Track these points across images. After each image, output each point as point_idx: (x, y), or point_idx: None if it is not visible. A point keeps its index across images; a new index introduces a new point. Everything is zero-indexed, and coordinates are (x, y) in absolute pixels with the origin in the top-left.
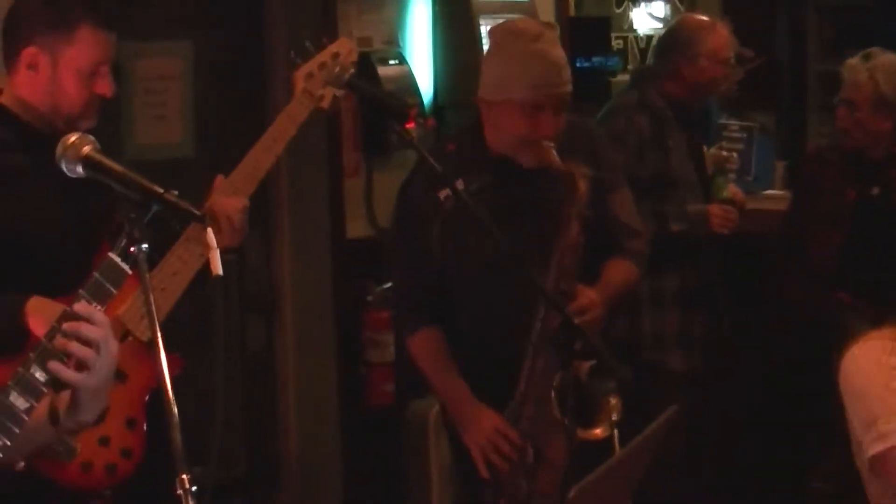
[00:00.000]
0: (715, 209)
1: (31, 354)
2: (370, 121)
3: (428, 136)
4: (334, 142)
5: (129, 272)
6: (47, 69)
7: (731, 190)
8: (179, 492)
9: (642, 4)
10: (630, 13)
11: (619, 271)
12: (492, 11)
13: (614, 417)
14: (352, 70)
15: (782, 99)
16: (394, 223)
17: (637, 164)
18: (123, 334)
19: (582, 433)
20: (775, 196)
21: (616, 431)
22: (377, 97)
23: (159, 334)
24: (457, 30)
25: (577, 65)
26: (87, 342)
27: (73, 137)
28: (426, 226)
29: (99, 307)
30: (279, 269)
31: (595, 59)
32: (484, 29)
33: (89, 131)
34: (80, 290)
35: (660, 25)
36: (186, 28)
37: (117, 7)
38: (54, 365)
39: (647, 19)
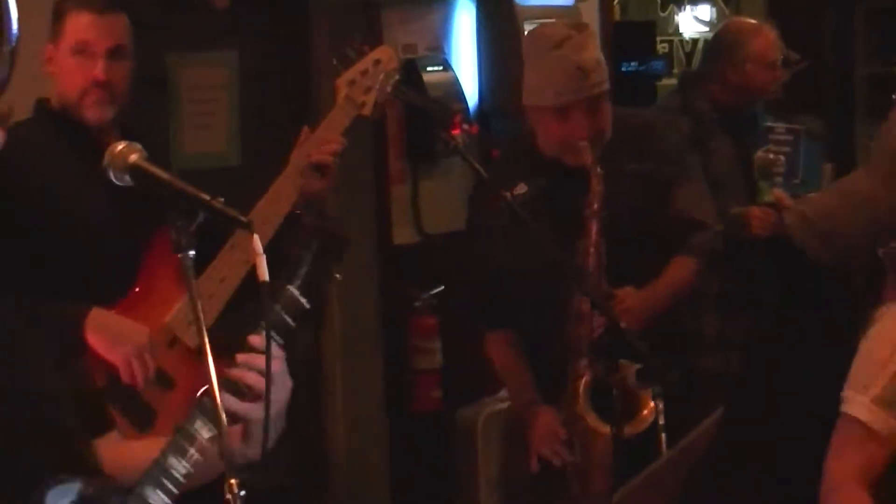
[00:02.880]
0: (755, 211)
1: (195, 410)
2: (415, 128)
3: (472, 143)
4: (380, 149)
5: (308, 306)
6: (56, 60)
7: (777, 194)
8: (228, 496)
9: (688, 8)
10: (675, 17)
11: (674, 270)
12: (535, 17)
13: (660, 421)
14: (396, 77)
15: (829, 102)
16: (466, 228)
17: None
18: (171, 340)
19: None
20: None
21: (664, 435)
22: (422, 104)
23: (206, 340)
24: (501, 35)
25: (623, 69)
26: (262, 373)
27: (119, 146)
28: (489, 231)
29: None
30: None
31: (640, 63)
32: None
33: (136, 138)
34: (262, 323)
35: (706, 29)
36: (231, 38)
37: (163, 18)
38: (228, 398)
39: (692, 23)
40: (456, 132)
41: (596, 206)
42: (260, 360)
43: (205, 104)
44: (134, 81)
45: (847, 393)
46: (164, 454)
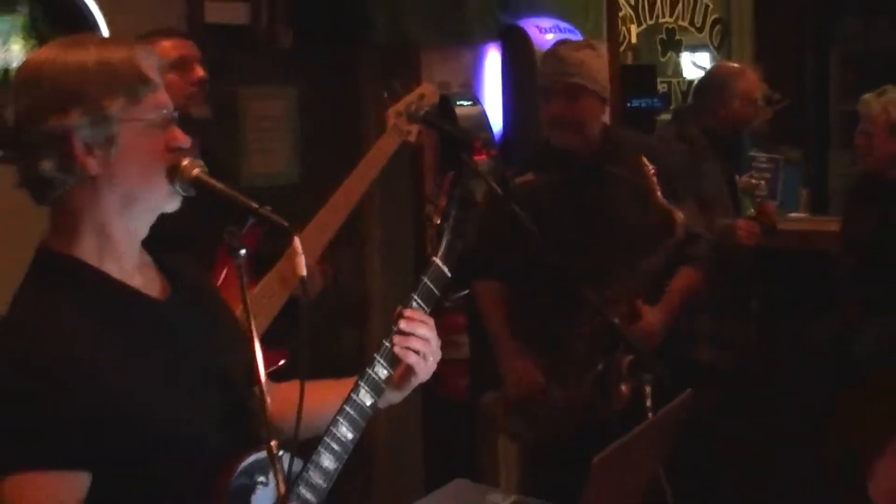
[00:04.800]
0: (741, 223)
1: (376, 356)
2: (446, 153)
3: (495, 165)
4: (417, 171)
5: (449, 275)
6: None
7: (766, 209)
8: (268, 457)
9: (686, 53)
10: (675, 60)
11: (683, 281)
12: None
13: (648, 404)
14: (427, 108)
15: (807, 134)
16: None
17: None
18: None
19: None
20: (799, 218)
21: (651, 415)
22: (446, 130)
23: (254, 329)
24: (522, 75)
25: (628, 105)
26: (421, 337)
27: (185, 161)
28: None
29: (427, 308)
30: (370, 281)
31: (643, 101)
32: None
33: (213, 158)
34: (413, 294)
35: (702, 73)
36: (292, 75)
37: (235, 59)
38: (402, 348)
39: (691, 67)
40: (481, 157)
41: (671, 245)
42: (419, 327)
43: (269, 132)
44: (212, 113)
45: None
46: (353, 393)
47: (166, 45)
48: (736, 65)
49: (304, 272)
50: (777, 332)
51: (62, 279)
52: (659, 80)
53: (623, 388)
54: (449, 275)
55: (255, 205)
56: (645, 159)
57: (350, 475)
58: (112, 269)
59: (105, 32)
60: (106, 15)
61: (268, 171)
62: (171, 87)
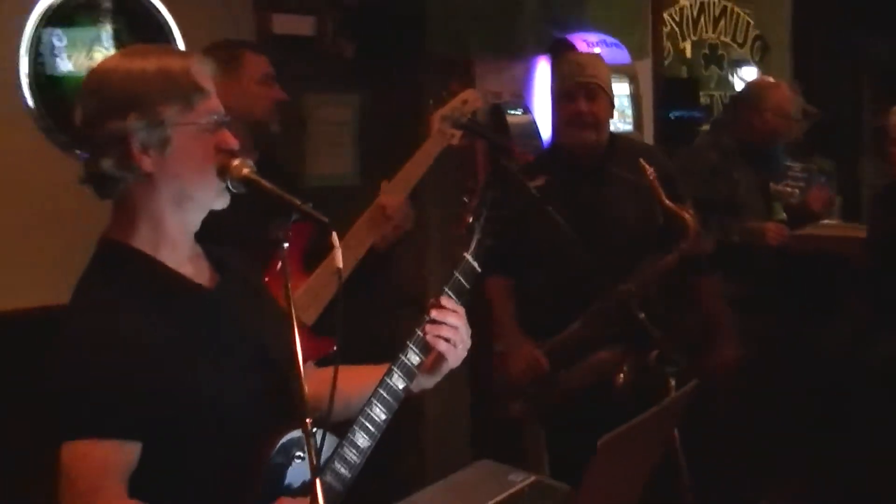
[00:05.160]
0: (770, 225)
1: (409, 343)
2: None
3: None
4: (472, 170)
5: (480, 270)
6: (235, 92)
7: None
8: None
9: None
10: (717, 74)
11: (717, 301)
12: None
13: (673, 394)
14: (467, 116)
15: (841, 146)
16: None
17: (708, 190)
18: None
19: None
20: (831, 224)
21: None
22: (484, 135)
23: (308, 316)
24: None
25: (670, 115)
26: (452, 326)
27: (236, 162)
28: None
29: (457, 300)
30: (428, 274)
31: (684, 111)
32: None
33: (274, 160)
34: (445, 287)
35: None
36: (355, 84)
37: (302, 68)
38: (434, 336)
39: (739, 82)
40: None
41: (686, 246)
42: (449, 316)
43: (332, 136)
44: (281, 118)
45: None
46: (386, 377)
47: (260, 60)
48: (771, 80)
49: (340, 265)
50: (802, 332)
51: (121, 267)
52: (702, 92)
53: (622, 375)
54: (479, 270)
55: (298, 202)
56: (643, 161)
57: (401, 459)
58: (166, 258)
59: (180, 43)
60: (181, 27)
61: (331, 173)
62: (257, 98)
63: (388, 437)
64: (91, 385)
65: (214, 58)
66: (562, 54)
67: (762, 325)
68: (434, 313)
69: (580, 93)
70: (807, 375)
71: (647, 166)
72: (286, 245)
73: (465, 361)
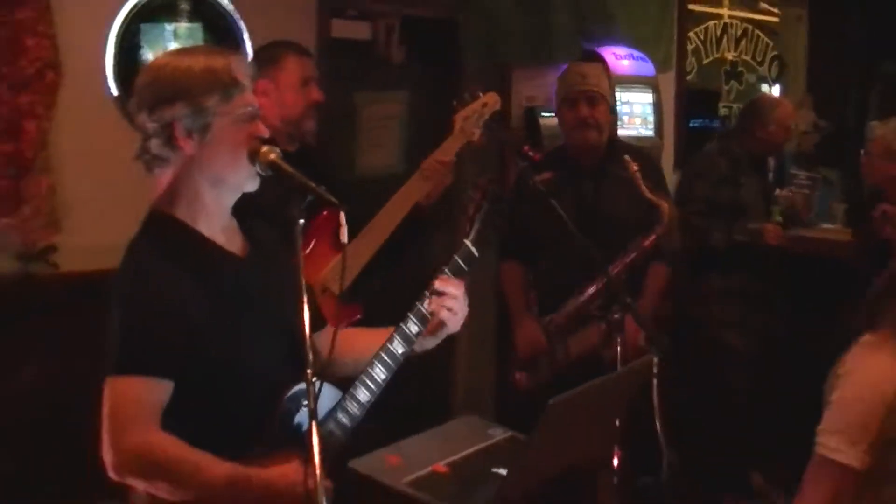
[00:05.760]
0: (769, 227)
1: (409, 315)
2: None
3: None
4: (503, 164)
5: (477, 255)
6: (273, 92)
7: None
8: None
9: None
10: (736, 88)
11: (658, 282)
12: (625, 82)
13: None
14: (487, 117)
15: (849, 156)
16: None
17: (716, 193)
18: (323, 289)
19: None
20: (830, 229)
21: (655, 382)
22: (501, 136)
23: (304, 285)
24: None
25: (690, 124)
26: (452, 296)
27: (264, 148)
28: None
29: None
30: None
31: (703, 121)
32: (619, 95)
33: (315, 152)
34: (444, 268)
35: None
36: (402, 85)
37: (356, 69)
38: (437, 306)
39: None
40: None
41: (662, 230)
42: (450, 287)
43: (381, 131)
44: (333, 113)
45: (832, 441)
46: (388, 343)
47: (300, 63)
48: (776, 96)
49: (345, 240)
50: (799, 326)
51: (164, 233)
52: (721, 104)
53: (612, 352)
54: (477, 255)
55: (312, 184)
56: (628, 158)
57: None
58: (203, 228)
59: (248, 43)
60: (250, 28)
61: (379, 164)
62: (294, 99)
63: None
64: (133, 331)
65: (260, 58)
66: (566, 67)
67: (763, 318)
68: (437, 285)
69: (582, 100)
70: (803, 366)
71: (631, 162)
72: (301, 221)
73: (493, 337)
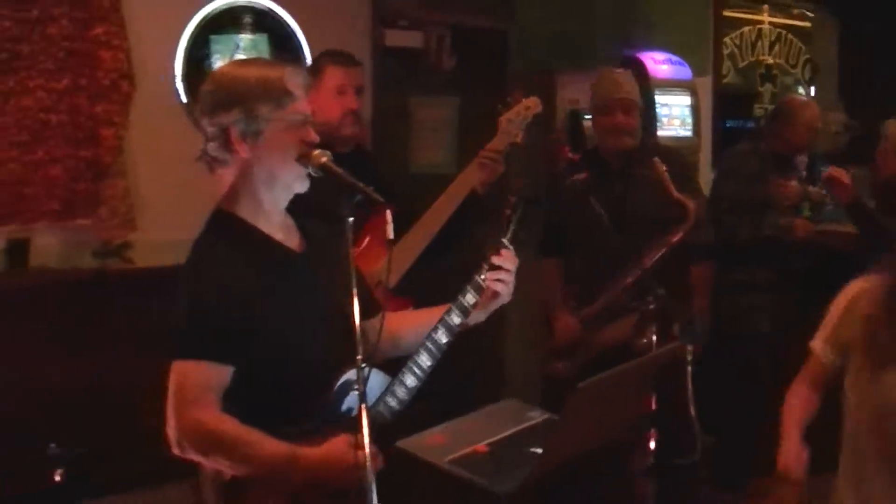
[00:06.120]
0: (798, 222)
1: (468, 286)
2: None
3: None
4: (552, 158)
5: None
6: (315, 99)
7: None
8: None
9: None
10: (770, 91)
11: (705, 278)
12: (664, 86)
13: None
14: (529, 119)
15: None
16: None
17: (747, 191)
18: (377, 282)
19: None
20: None
21: (689, 369)
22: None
23: (354, 277)
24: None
25: (727, 125)
26: (507, 269)
27: (316, 152)
28: (555, 199)
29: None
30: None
31: (738, 122)
32: (658, 98)
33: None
34: (503, 238)
35: None
36: (454, 89)
37: (409, 75)
38: (491, 279)
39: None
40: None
41: (687, 227)
42: (507, 262)
43: (433, 133)
44: (389, 117)
45: (818, 334)
46: (445, 315)
47: (338, 72)
48: (804, 98)
49: (391, 236)
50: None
51: (226, 230)
52: (756, 105)
53: (645, 340)
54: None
55: (360, 184)
56: (657, 160)
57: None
58: (262, 225)
59: (308, 53)
60: (309, 40)
61: (431, 164)
62: (330, 106)
63: (472, 391)
64: (197, 319)
65: (308, 68)
66: (599, 74)
67: (791, 308)
68: (494, 259)
69: (617, 107)
70: None
71: (659, 164)
72: (350, 219)
73: (541, 329)
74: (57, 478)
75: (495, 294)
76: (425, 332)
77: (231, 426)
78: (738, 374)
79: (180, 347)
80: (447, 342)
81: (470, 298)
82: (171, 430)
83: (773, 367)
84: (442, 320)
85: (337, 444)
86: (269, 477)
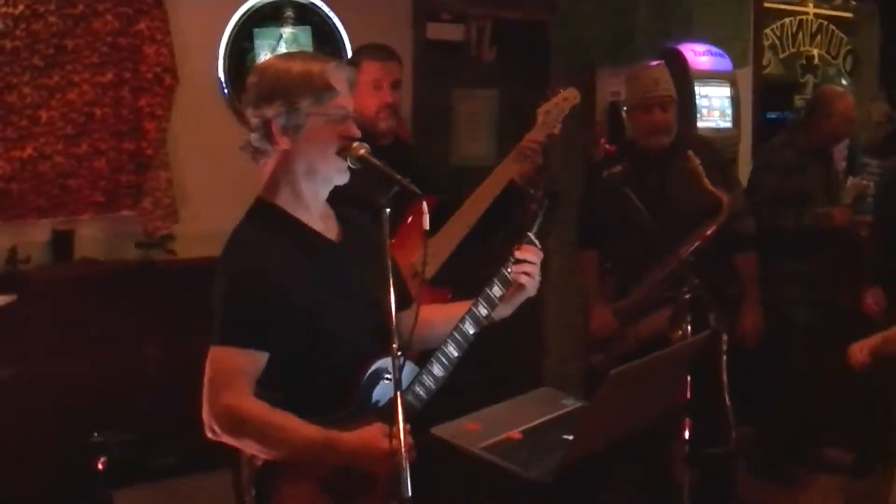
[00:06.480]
0: (836, 211)
1: (494, 279)
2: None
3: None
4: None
5: (539, 246)
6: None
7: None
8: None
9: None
10: (812, 82)
11: (750, 270)
12: (703, 77)
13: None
14: (567, 111)
15: None
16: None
17: (784, 182)
18: (414, 273)
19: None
20: None
21: (724, 358)
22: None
23: (391, 268)
24: (680, 89)
25: (767, 116)
26: (532, 262)
27: (355, 144)
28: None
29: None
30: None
31: (779, 112)
32: (698, 89)
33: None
34: (529, 233)
35: None
36: (494, 82)
37: (451, 68)
38: (517, 272)
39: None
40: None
41: (721, 221)
42: (530, 255)
43: (475, 124)
44: (430, 109)
45: None
46: (473, 306)
47: (373, 67)
48: (839, 89)
49: (427, 227)
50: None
51: (266, 219)
52: (797, 96)
53: (681, 332)
54: (539, 246)
55: (398, 176)
56: (691, 153)
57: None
58: (301, 215)
59: (348, 46)
60: (350, 33)
61: (472, 155)
62: (366, 101)
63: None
64: (234, 306)
65: (348, 62)
66: (634, 70)
67: (830, 297)
68: (518, 253)
69: (655, 105)
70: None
71: (693, 157)
72: (388, 210)
73: (581, 321)
74: (99, 466)
75: (520, 287)
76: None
77: (263, 410)
78: (776, 365)
79: (216, 333)
80: (474, 333)
81: (497, 291)
82: (205, 414)
83: (810, 357)
84: (469, 311)
85: (371, 431)
86: (302, 461)
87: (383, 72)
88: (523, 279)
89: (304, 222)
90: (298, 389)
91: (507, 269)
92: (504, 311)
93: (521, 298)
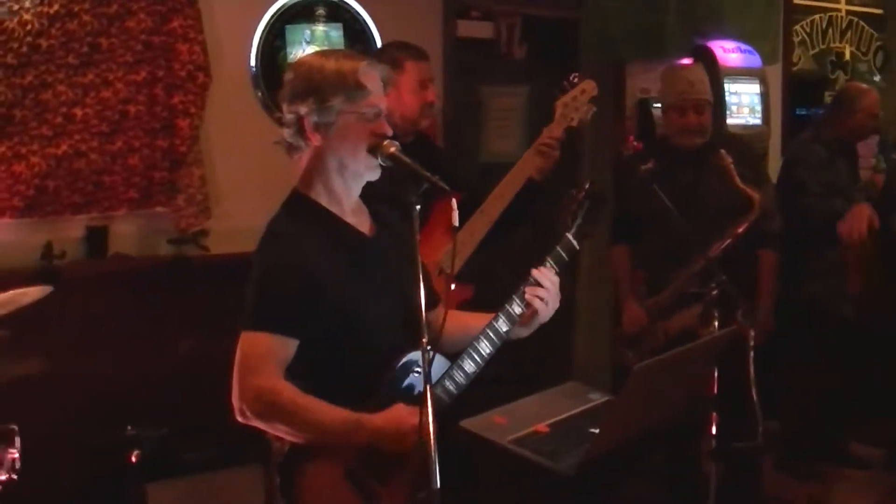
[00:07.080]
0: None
1: (514, 296)
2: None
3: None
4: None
5: (578, 247)
6: (392, 94)
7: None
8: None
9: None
10: (843, 78)
11: (770, 269)
12: (733, 74)
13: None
14: (585, 103)
15: None
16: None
17: (814, 176)
18: (439, 271)
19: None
20: None
21: (752, 354)
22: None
23: (420, 263)
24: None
25: (797, 112)
26: (546, 287)
27: (386, 142)
28: (624, 187)
29: (556, 269)
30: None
31: (808, 108)
32: (728, 86)
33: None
34: (547, 257)
35: None
36: (524, 79)
37: (481, 65)
38: (531, 295)
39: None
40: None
41: (752, 219)
42: (545, 279)
43: (505, 121)
44: (460, 106)
45: None
46: (493, 320)
47: (418, 67)
48: (864, 85)
49: (456, 223)
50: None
51: (301, 212)
52: (827, 93)
53: (710, 328)
54: (577, 248)
55: (427, 173)
56: (723, 152)
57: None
58: (334, 209)
59: (379, 44)
60: (381, 30)
61: (502, 152)
62: (411, 100)
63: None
64: (267, 293)
65: (383, 62)
66: (671, 69)
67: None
68: (535, 274)
69: (690, 108)
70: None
71: (725, 156)
72: (418, 207)
73: (612, 317)
74: (132, 459)
75: (535, 312)
76: (471, 337)
77: (292, 392)
78: (814, 360)
79: (248, 318)
80: (507, 331)
81: (516, 308)
82: (234, 398)
83: (852, 352)
84: (490, 326)
85: (398, 410)
86: (330, 443)
87: (427, 72)
88: (537, 304)
89: (337, 215)
90: (329, 380)
91: (525, 288)
92: (520, 332)
93: (535, 324)
